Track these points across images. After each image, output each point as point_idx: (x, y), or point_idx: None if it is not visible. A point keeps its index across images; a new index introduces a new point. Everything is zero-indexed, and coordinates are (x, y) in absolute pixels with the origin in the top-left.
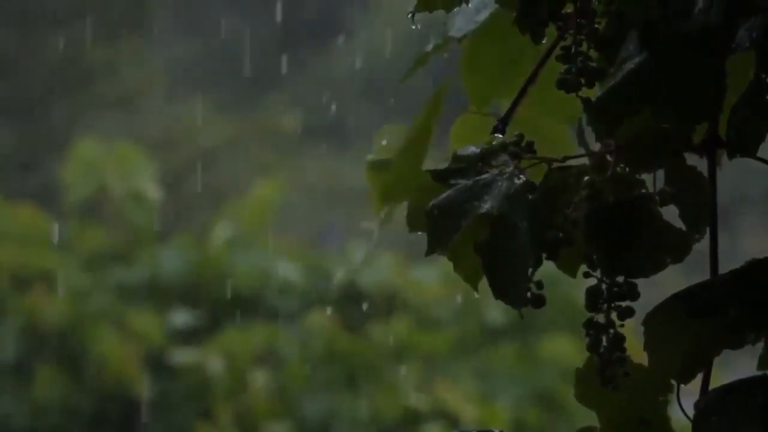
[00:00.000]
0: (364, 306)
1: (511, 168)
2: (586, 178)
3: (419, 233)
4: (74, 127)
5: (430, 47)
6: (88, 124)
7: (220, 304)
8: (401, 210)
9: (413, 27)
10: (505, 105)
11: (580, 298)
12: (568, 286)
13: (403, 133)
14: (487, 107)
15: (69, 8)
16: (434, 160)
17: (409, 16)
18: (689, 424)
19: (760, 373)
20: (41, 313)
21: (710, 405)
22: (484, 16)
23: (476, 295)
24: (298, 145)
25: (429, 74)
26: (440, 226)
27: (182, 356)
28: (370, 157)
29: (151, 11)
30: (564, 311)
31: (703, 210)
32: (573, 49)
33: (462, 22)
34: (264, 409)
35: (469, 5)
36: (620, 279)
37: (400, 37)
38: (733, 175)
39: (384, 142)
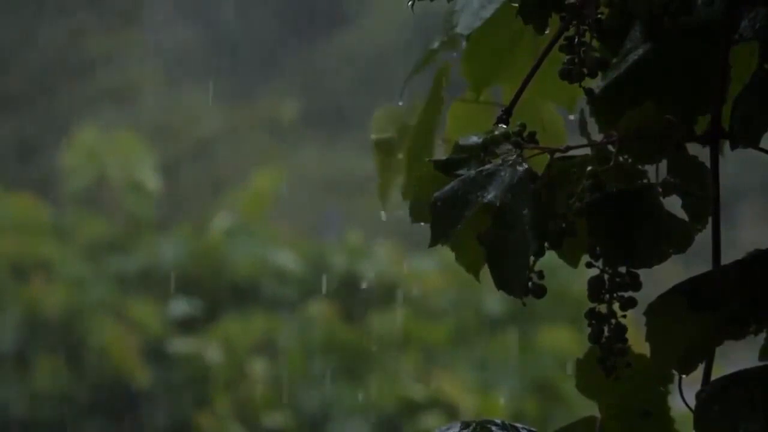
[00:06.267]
0: (363, 296)
1: (514, 158)
2: (588, 168)
3: (422, 224)
4: (74, 116)
5: (436, 45)
6: (87, 114)
7: (219, 294)
8: (400, 199)
9: (413, 15)
10: (502, 90)
11: (578, 289)
12: (566, 276)
13: (400, 114)
14: (484, 93)
15: None
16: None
17: (410, 4)
18: (690, 415)
19: (762, 363)
20: (40, 303)
21: (712, 395)
22: (490, 12)
23: (478, 282)
24: (298, 133)
25: (431, 65)
26: (444, 218)
27: (181, 345)
28: (374, 136)
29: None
30: (562, 302)
31: (706, 201)
32: (576, 40)
33: (468, 19)
34: (263, 399)
35: (474, 0)
36: (622, 269)
37: (400, 25)
38: (735, 166)
39: (381, 122)
